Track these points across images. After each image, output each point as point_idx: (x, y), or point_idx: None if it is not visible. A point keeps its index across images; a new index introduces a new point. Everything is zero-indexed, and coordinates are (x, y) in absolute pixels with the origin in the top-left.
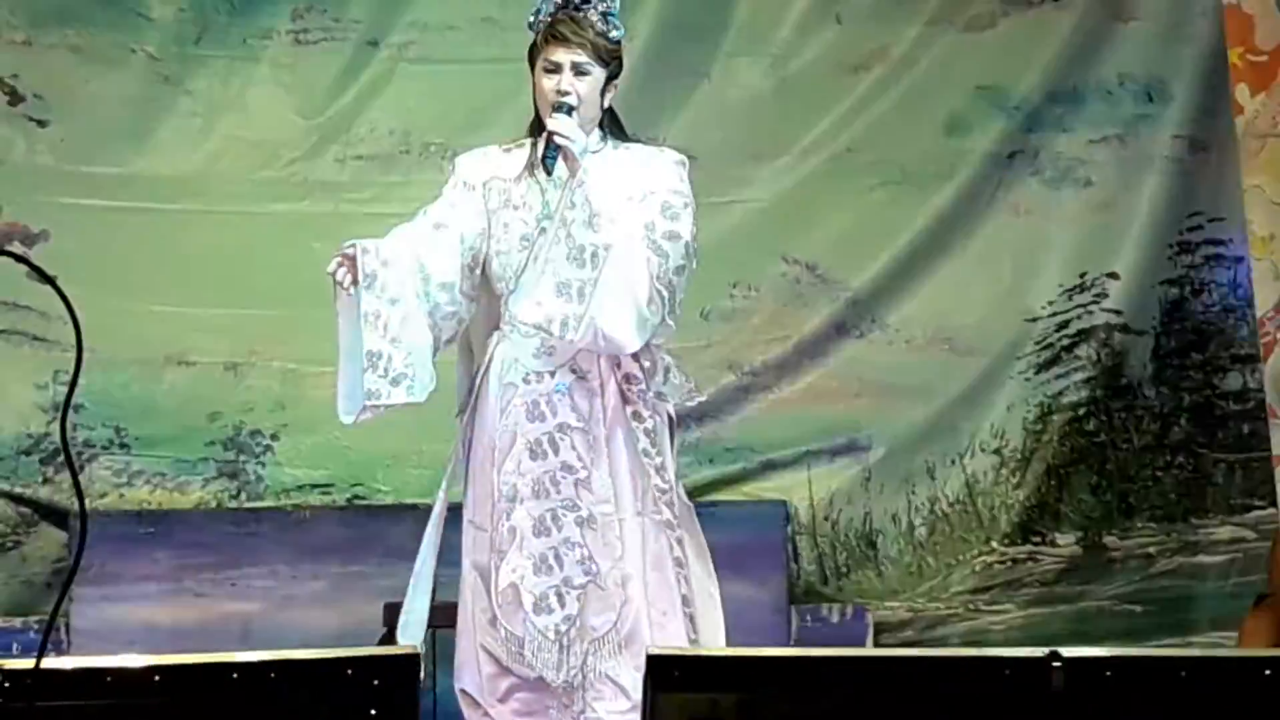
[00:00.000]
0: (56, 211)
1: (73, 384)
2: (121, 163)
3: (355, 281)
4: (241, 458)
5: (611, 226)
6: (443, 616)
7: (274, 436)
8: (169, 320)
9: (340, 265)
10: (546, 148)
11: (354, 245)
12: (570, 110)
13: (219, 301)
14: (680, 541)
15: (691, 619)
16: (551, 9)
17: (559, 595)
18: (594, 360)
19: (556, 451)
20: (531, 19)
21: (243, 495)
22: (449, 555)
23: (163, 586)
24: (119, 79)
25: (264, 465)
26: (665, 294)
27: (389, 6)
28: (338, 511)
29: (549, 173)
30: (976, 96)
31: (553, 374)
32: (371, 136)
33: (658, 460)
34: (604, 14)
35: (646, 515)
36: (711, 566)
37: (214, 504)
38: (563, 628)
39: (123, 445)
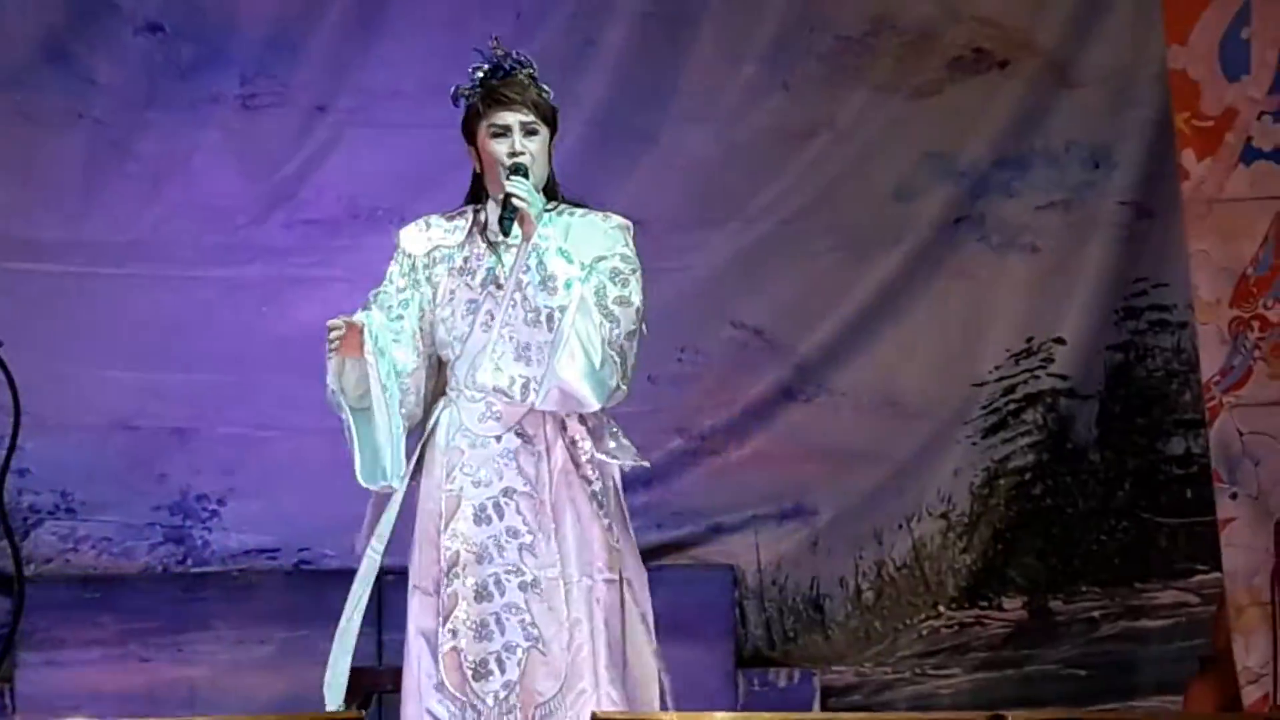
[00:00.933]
0: (2, 276)
1: (10, 448)
2: (68, 227)
3: (357, 350)
4: (188, 523)
5: (565, 290)
6: (390, 681)
7: (220, 501)
8: (116, 385)
9: (341, 333)
10: (504, 210)
11: (353, 319)
12: (525, 173)
13: (166, 366)
14: (619, 606)
15: (623, 684)
16: (481, 77)
17: (499, 660)
18: (540, 424)
19: (502, 516)
20: (457, 91)
21: (189, 560)
22: (395, 620)
23: (108, 651)
24: (66, 143)
25: (210, 530)
26: (618, 359)
27: (336, 72)
28: (284, 576)
29: (506, 234)
30: (924, 162)
31: (499, 438)
32: (319, 201)
33: (605, 521)
34: (531, 76)
35: (595, 576)
36: (652, 630)
37: (160, 569)
38: (502, 694)
39: (69, 510)
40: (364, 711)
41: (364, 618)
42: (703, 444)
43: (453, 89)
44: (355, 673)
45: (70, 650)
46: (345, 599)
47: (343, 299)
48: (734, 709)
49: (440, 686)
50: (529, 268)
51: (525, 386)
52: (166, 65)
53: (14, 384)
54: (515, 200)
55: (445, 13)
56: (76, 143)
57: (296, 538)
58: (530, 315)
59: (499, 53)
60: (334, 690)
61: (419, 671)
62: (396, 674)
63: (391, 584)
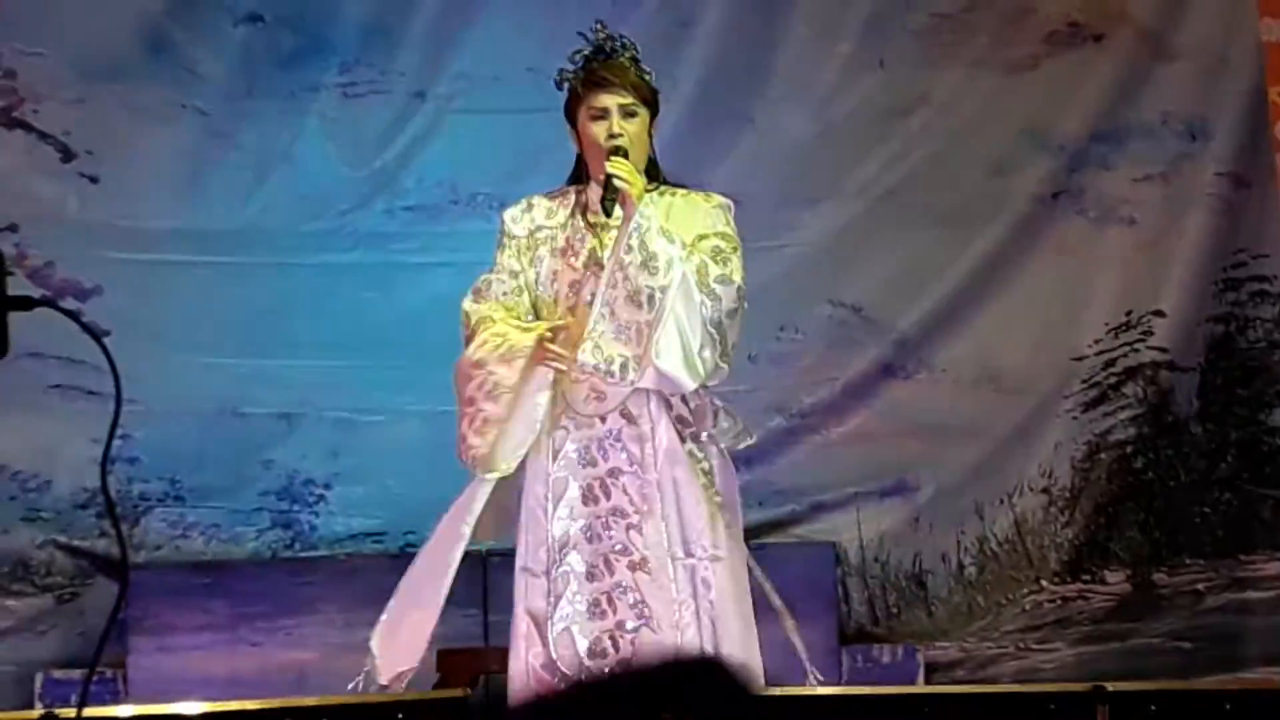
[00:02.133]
0: (109, 266)
1: (110, 434)
2: (173, 217)
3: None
4: (295, 507)
5: (667, 270)
6: (496, 662)
7: (326, 486)
8: (222, 372)
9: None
10: (606, 191)
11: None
12: (625, 154)
13: (271, 353)
14: (735, 581)
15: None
16: (583, 59)
17: (612, 639)
18: (644, 404)
19: (609, 496)
20: (560, 75)
21: (296, 545)
22: (500, 602)
23: (218, 636)
24: (169, 134)
25: (317, 515)
26: (718, 337)
27: (435, 59)
28: (390, 559)
29: (608, 214)
30: (1020, 137)
31: (603, 419)
32: (419, 187)
33: (712, 501)
34: (633, 59)
35: (700, 555)
36: (750, 613)
37: (268, 554)
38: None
39: (177, 498)
40: (470, 691)
41: (469, 600)
42: (803, 422)
43: (556, 72)
44: (462, 654)
45: (181, 635)
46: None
47: (444, 284)
48: (838, 685)
49: (549, 666)
50: (631, 248)
51: (625, 366)
52: (267, 55)
53: (116, 372)
54: (616, 181)
55: None
56: (180, 133)
57: (401, 520)
58: (631, 294)
59: (601, 35)
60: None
61: (527, 652)
62: (502, 655)
63: (496, 566)
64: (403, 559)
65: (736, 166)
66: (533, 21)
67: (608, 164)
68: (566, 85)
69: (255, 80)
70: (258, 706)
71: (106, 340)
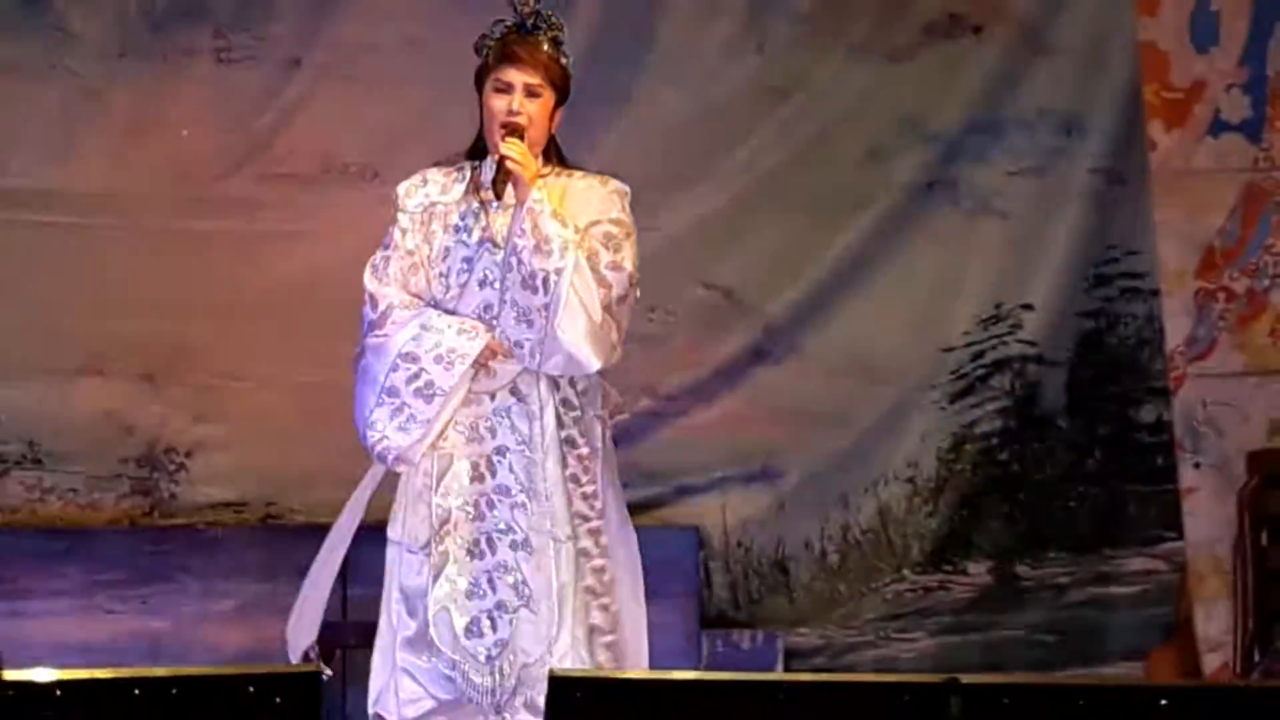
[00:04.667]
0: None
1: None
2: (42, 177)
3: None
4: (155, 475)
5: (561, 253)
6: (355, 636)
7: (188, 454)
8: (85, 335)
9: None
10: (497, 172)
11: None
12: (521, 134)
13: (137, 317)
14: (600, 570)
15: (611, 647)
16: (503, 31)
17: (491, 619)
18: (534, 382)
19: (494, 474)
20: (479, 41)
21: (156, 513)
22: (361, 577)
23: (74, 602)
24: (40, 93)
25: (177, 483)
26: (612, 322)
27: (312, 26)
28: (250, 530)
29: (499, 197)
30: (897, 126)
31: (492, 396)
32: (292, 156)
33: (588, 489)
34: (554, 40)
35: (582, 537)
36: (641, 594)
37: (127, 521)
38: (494, 651)
39: (36, 460)
40: (327, 665)
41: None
42: (671, 404)
43: (480, 38)
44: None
45: (36, 600)
46: (310, 553)
47: (313, 253)
48: (697, 669)
49: (416, 643)
50: (524, 231)
51: (531, 350)
52: (142, 17)
53: None
54: (509, 163)
55: None
56: (51, 93)
57: (263, 491)
58: (526, 278)
59: (526, 10)
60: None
61: (397, 628)
62: (362, 629)
63: (357, 540)
64: (263, 530)
65: (613, 146)
66: None
67: (501, 145)
68: (480, 53)
69: (129, 42)
70: (109, 675)
71: None
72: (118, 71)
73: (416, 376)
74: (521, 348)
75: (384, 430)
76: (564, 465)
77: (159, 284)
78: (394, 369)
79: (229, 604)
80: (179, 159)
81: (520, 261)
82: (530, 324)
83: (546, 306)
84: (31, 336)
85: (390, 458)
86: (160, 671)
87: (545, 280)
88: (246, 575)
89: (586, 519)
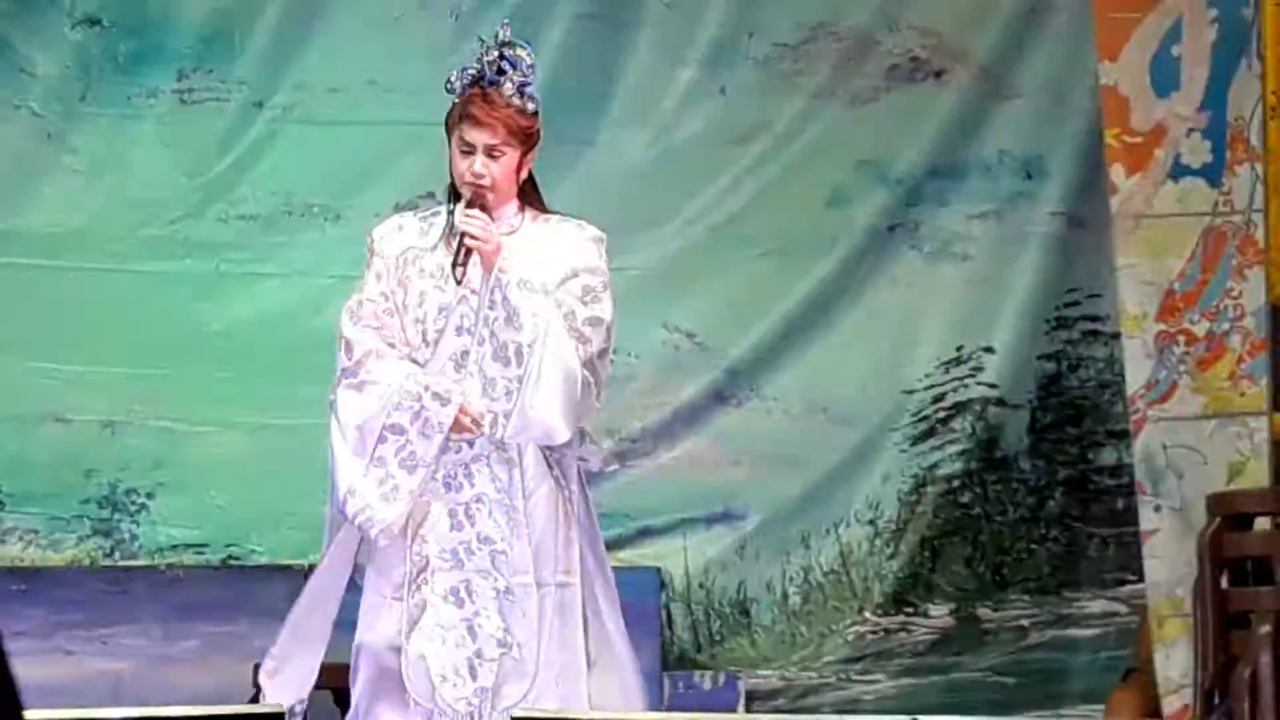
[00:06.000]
0: None
1: None
2: (2, 217)
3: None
4: (116, 516)
5: (533, 320)
6: (322, 676)
7: (149, 495)
8: (46, 377)
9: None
10: (456, 254)
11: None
12: (483, 204)
13: (98, 359)
14: (587, 607)
15: (602, 678)
16: (467, 81)
17: (470, 667)
18: None
19: (474, 522)
20: (448, 84)
21: (116, 554)
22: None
23: (34, 643)
24: (1, 133)
25: (138, 524)
26: (592, 379)
27: (274, 68)
28: (211, 571)
29: (458, 281)
30: (858, 169)
31: (471, 444)
32: (254, 197)
33: (572, 532)
34: (519, 87)
35: (566, 581)
36: (624, 629)
37: (87, 562)
38: (474, 701)
39: None
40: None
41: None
42: (633, 446)
43: (448, 80)
44: None
45: None
46: (271, 594)
47: (276, 295)
48: (659, 710)
49: (392, 691)
50: (493, 304)
51: (494, 422)
52: (104, 58)
53: None
54: (468, 240)
55: (384, 11)
56: (12, 133)
57: (224, 533)
58: (499, 350)
59: (489, 58)
60: (287, 687)
61: (370, 674)
62: (329, 671)
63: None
64: (224, 571)
65: (575, 187)
66: (373, 34)
67: (459, 221)
68: (449, 94)
69: (91, 83)
70: (71, 716)
71: None
72: (80, 113)
73: (403, 449)
74: (483, 417)
75: (368, 500)
76: (547, 509)
77: (120, 326)
78: (382, 439)
79: (191, 644)
80: (140, 200)
81: (493, 334)
82: (495, 398)
83: (519, 379)
84: None
85: (368, 525)
86: (122, 712)
87: (518, 352)
88: (208, 616)
89: (571, 560)
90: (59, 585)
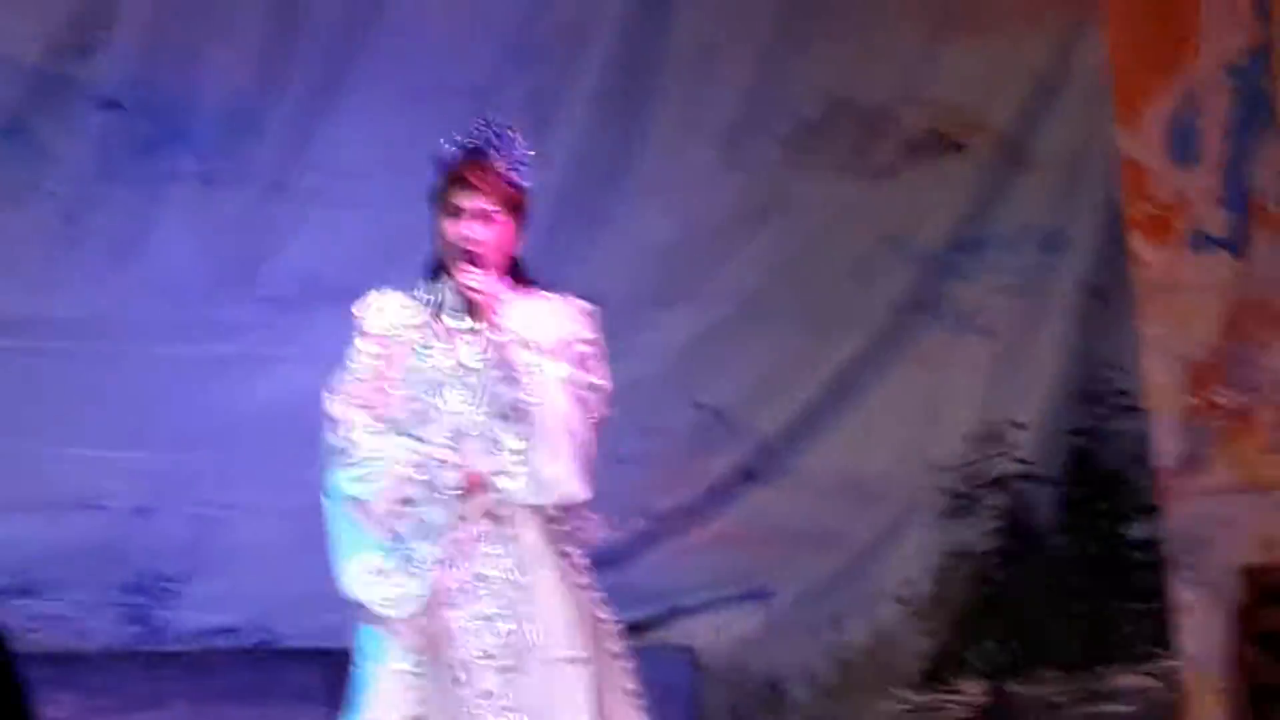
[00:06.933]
0: None
1: None
2: (26, 302)
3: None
4: (147, 602)
5: (531, 380)
6: None
7: (180, 581)
8: (74, 463)
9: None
10: (470, 304)
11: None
12: (475, 260)
13: (127, 444)
14: (615, 677)
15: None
16: (460, 155)
17: None
18: (513, 505)
19: (474, 601)
20: (439, 161)
21: (149, 640)
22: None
23: None
24: (22, 217)
25: (170, 610)
26: (593, 442)
27: (295, 150)
28: (244, 655)
29: (475, 321)
30: (880, 244)
31: (464, 518)
32: (274, 278)
33: (595, 593)
34: (513, 163)
35: (577, 654)
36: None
37: (120, 648)
38: None
39: (27, 590)
40: None
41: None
42: (663, 524)
43: (439, 156)
44: None
45: None
46: (304, 678)
47: (299, 376)
48: None
49: None
50: (493, 361)
51: (502, 481)
52: (125, 141)
53: None
54: (469, 293)
55: (402, 93)
56: (34, 216)
57: (256, 617)
58: (496, 409)
59: (483, 135)
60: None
61: None
62: None
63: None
64: (256, 655)
65: (596, 266)
66: (392, 118)
67: (459, 275)
68: (439, 173)
69: (113, 167)
70: None
71: None
72: (101, 195)
73: (417, 520)
74: (496, 477)
75: (395, 579)
76: (552, 584)
77: (144, 410)
78: (399, 515)
79: None
80: (160, 282)
81: (495, 394)
82: (497, 456)
83: (527, 438)
84: (19, 466)
85: (408, 609)
86: None
87: (518, 409)
88: (241, 700)
89: (603, 622)
90: (91, 671)
